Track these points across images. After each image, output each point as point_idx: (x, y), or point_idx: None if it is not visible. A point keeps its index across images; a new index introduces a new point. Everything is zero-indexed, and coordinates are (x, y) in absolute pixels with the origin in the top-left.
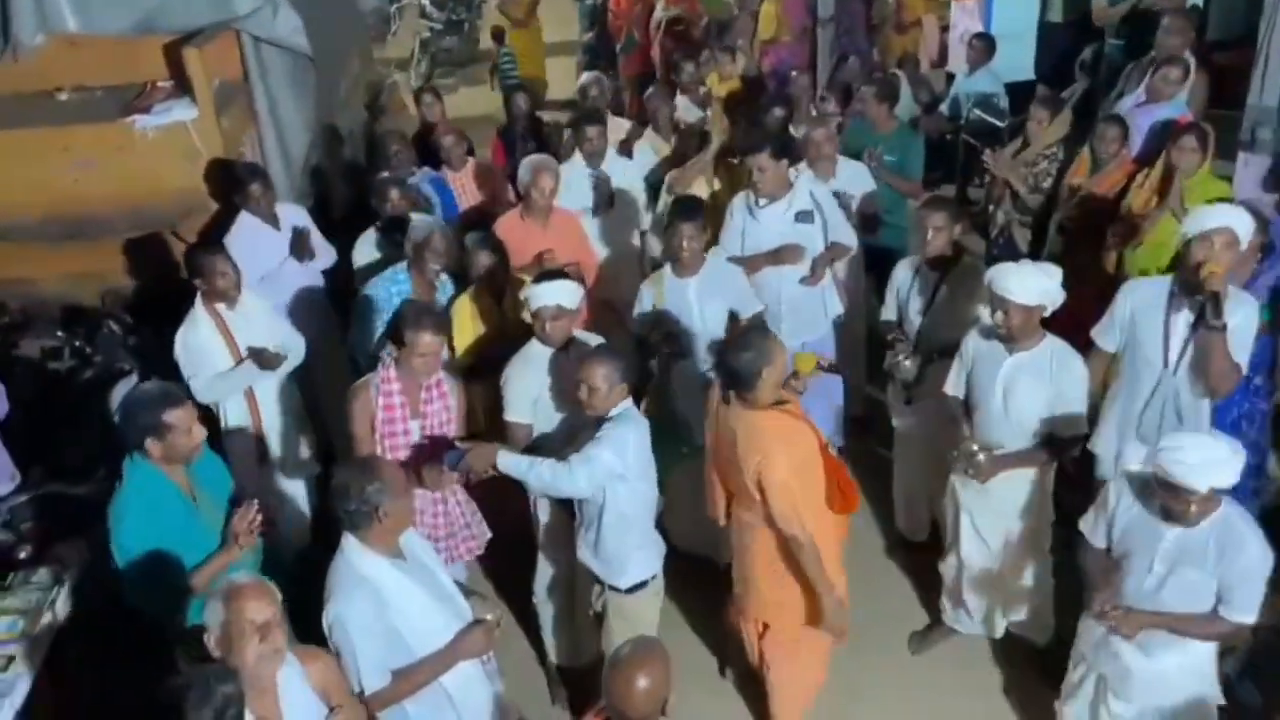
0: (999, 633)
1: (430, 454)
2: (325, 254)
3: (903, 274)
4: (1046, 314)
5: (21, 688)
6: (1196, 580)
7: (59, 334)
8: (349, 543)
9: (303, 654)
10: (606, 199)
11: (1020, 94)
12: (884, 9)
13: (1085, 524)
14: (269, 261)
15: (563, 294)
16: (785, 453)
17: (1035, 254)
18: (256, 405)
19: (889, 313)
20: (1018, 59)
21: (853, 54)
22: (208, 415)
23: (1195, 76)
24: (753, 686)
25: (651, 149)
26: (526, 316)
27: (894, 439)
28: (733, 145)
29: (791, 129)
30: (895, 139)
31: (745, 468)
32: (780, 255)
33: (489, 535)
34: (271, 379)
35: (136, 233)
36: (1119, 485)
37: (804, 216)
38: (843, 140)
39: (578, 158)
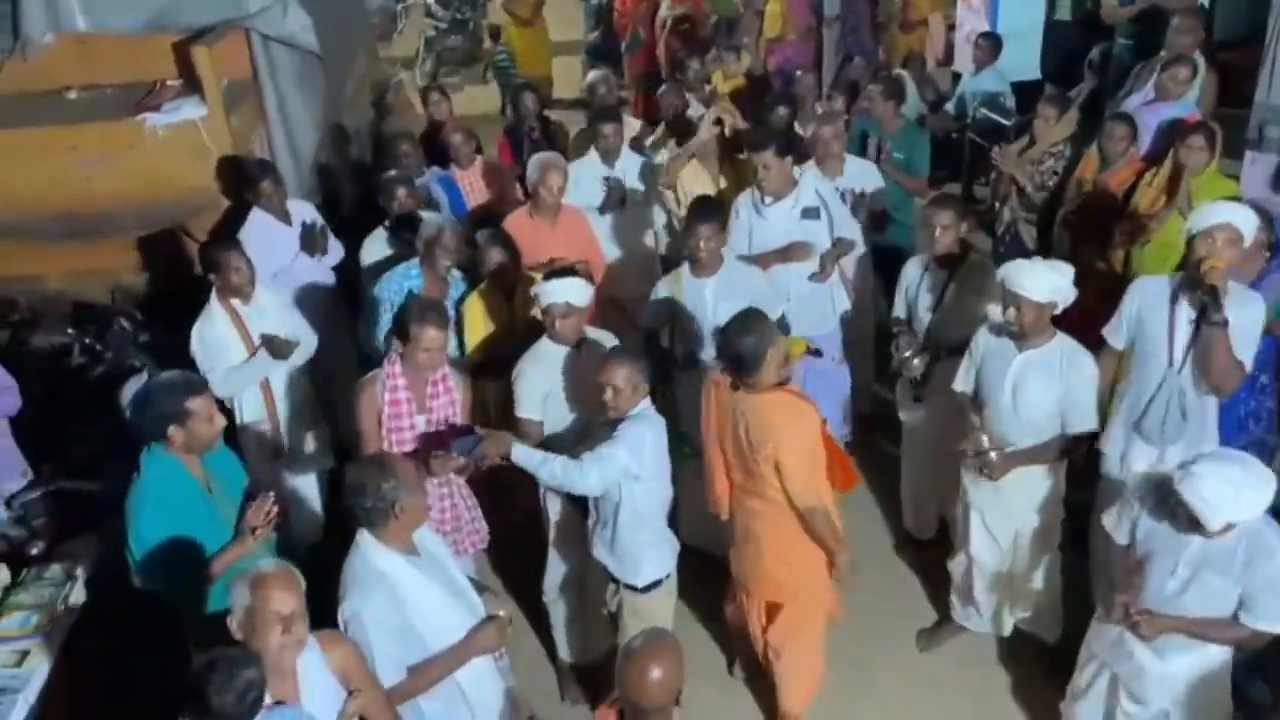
0: (1007, 630)
1: (436, 448)
2: (335, 250)
3: (911, 272)
4: (1057, 311)
5: (37, 682)
6: (1220, 586)
7: (69, 331)
8: (364, 539)
9: (324, 639)
10: (619, 199)
11: (1026, 93)
12: (889, 8)
13: (1109, 520)
14: (282, 257)
15: (572, 291)
16: (797, 428)
17: (1041, 251)
18: (272, 400)
19: (898, 311)
20: (1023, 58)
21: (858, 53)
22: (223, 410)
23: (1205, 76)
24: (759, 683)
25: (668, 152)
26: (536, 314)
27: (902, 436)
28: (737, 142)
29: (798, 127)
30: (901, 137)
31: (760, 450)
32: (789, 253)
33: (487, 532)
34: (285, 373)
35: (146, 231)
36: (1142, 486)
37: (810, 213)
38: (849, 138)
39: (591, 156)
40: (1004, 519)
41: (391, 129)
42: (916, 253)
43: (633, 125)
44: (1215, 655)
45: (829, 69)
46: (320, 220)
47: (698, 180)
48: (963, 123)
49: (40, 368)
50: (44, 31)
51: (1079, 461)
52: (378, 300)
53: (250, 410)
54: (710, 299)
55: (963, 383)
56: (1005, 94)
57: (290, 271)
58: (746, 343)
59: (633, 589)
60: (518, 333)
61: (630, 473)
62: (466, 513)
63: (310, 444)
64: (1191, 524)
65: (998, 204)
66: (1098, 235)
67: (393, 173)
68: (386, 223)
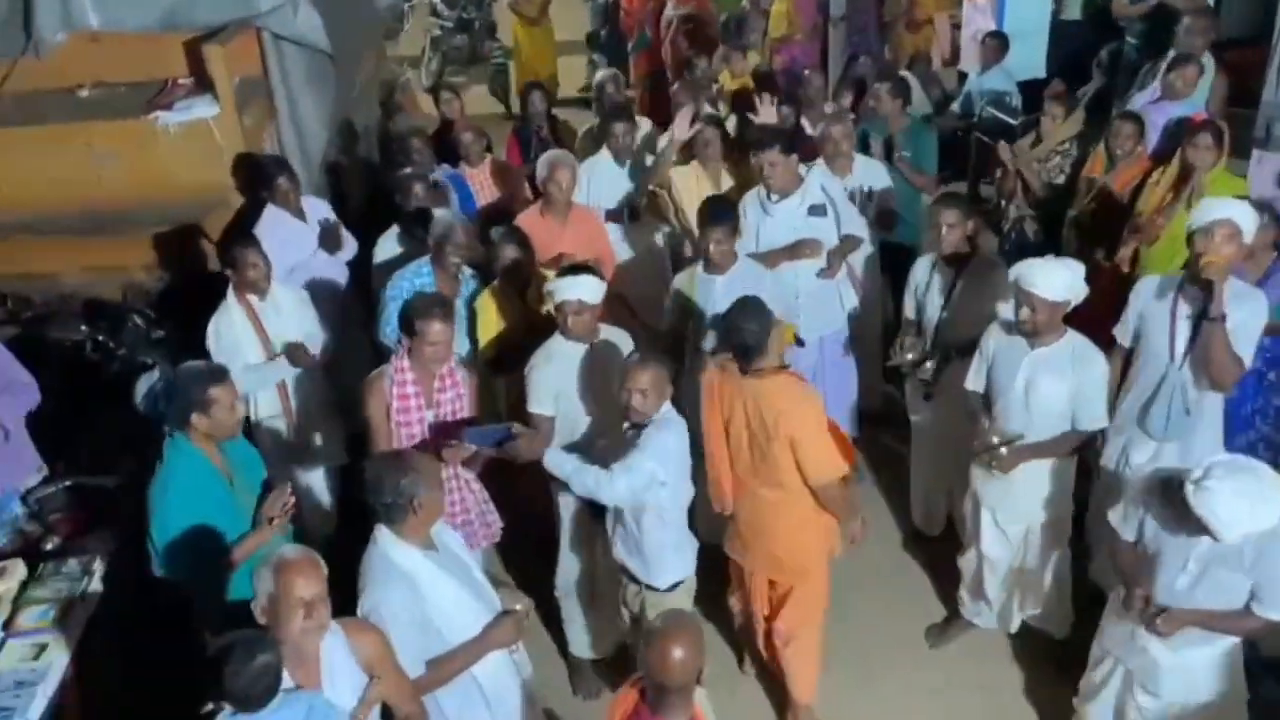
0: (1016, 626)
1: (446, 441)
2: (349, 246)
3: (920, 271)
4: (1069, 308)
5: (55, 675)
6: (1231, 580)
7: (82, 328)
8: (383, 534)
9: (350, 626)
10: (630, 209)
11: (1032, 92)
12: (895, 7)
13: (1115, 517)
14: (297, 253)
15: (585, 289)
16: (809, 405)
17: (1047, 249)
18: (288, 395)
19: (907, 310)
20: (1030, 57)
21: (864, 53)
22: None
23: (1215, 77)
24: (767, 679)
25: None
26: (548, 310)
27: (910, 434)
28: (742, 144)
29: (805, 127)
30: (908, 135)
31: (773, 432)
32: (797, 250)
33: (501, 525)
34: (299, 369)
35: (159, 228)
36: (1149, 487)
37: (816, 211)
38: (857, 137)
39: (603, 154)
40: (1014, 515)
41: (399, 128)
42: (923, 251)
43: (644, 125)
44: (1228, 646)
45: (835, 68)
46: (335, 217)
47: (698, 183)
48: (969, 122)
49: (54, 364)
50: (57, 30)
51: (1090, 458)
52: (388, 298)
53: (265, 406)
54: (720, 296)
55: (974, 381)
56: (1012, 93)
57: (306, 267)
58: (751, 328)
59: (655, 589)
60: (531, 329)
61: (658, 479)
62: (476, 507)
63: (324, 439)
64: (1202, 528)
65: (1003, 202)
66: (1106, 234)
67: (408, 170)
68: (401, 220)
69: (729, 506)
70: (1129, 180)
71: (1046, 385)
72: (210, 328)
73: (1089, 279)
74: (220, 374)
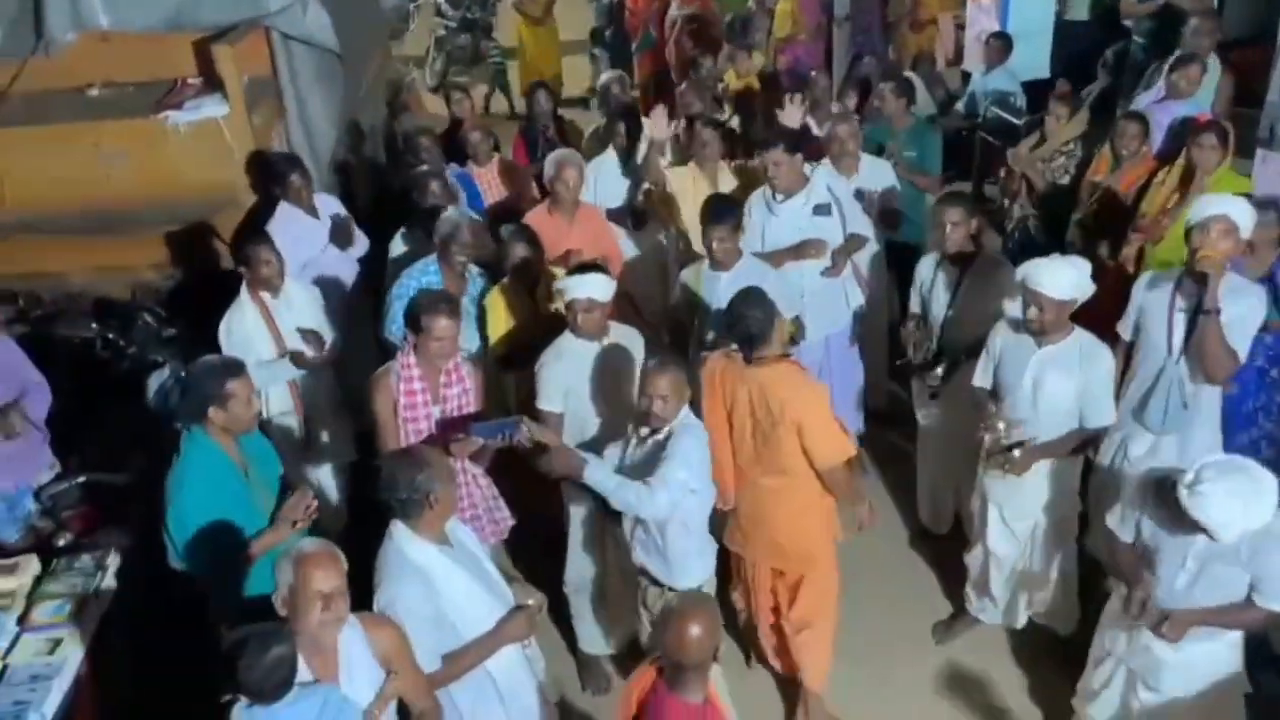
0: (1022, 623)
1: (453, 435)
2: (361, 242)
3: (925, 270)
4: (1076, 307)
5: (70, 669)
6: (1229, 574)
7: (93, 326)
8: (398, 530)
9: (369, 621)
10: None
11: (1036, 92)
12: (899, 7)
13: (1113, 520)
14: (309, 250)
15: (595, 287)
16: (813, 390)
17: (1051, 249)
18: (298, 392)
19: (913, 309)
20: (1034, 58)
21: (868, 53)
22: None
23: (1221, 77)
24: (774, 675)
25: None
26: (557, 308)
27: (917, 432)
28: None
29: (811, 126)
30: (912, 134)
31: (780, 418)
32: (802, 250)
33: (512, 522)
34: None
35: (168, 227)
36: (1143, 488)
37: (822, 210)
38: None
39: (609, 154)
40: (1021, 512)
41: (405, 127)
42: (928, 250)
43: (646, 125)
44: (1231, 639)
45: (839, 68)
46: (346, 213)
47: (694, 183)
48: (973, 122)
49: (64, 362)
50: (67, 30)
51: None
52: (394, 297)
53: (276, 402)
54: (724, 292)
55: (981, 379)
56: (1016, 93)
57: (318, 264)
58: (755, 316)
59: (678, 591)
60: (540, 326)
61: (689, 487)
62: (484, 502)
63: (332, 436)
64: (1198, 528)
65: (1007, 202)
66: (1111, 234)
67: (425, 167)
68: (416, 217)
69: (730, 500)
70: (1134, 180)
71: (1054, 383)
72: (223, 324)
73: (1093, 278)
74: (237, 368)
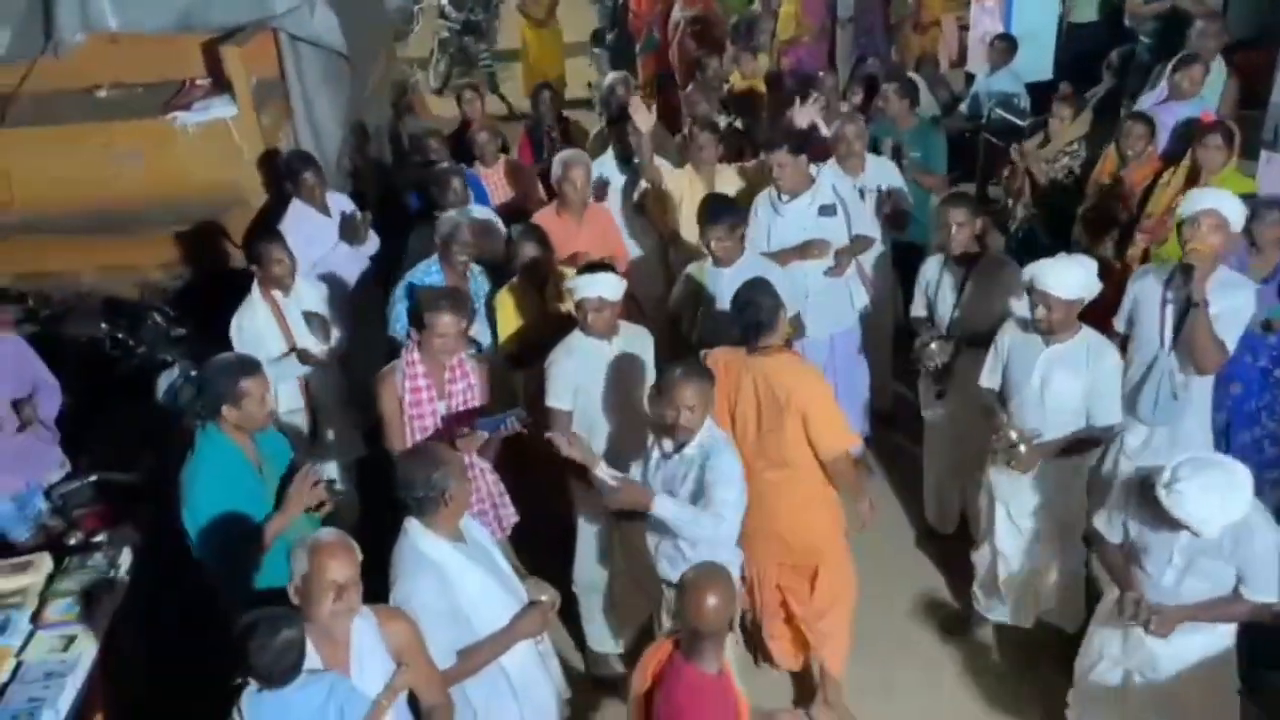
0: (1030, 621)
1: (458, 431)
2: (371, 239)
3: (930, 270)
4: (1083, 305)
5: (84, 666)
6: (1215, 568)
7: (102, 325)
8: (413, 526)
9: (382, 613)
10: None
11: (1039, 94)
12: (903, 9)
13: (1099, 521)
14: (321, 248)
15: (606, 286)
16: (817, 378)
17: (1055, 248)
18: (308, 388)
19: (918, 309)
20: (1037, 59)
21: (871, 54)
22: None
23: (1227, 79)
24: (778, 670)
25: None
26: (565, 307)
27: (923, 432)
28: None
29: (820, 127)
30: (916, 135)
31: (785, 406)
32: (805, 250)
33: (516, 518)
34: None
35: (177, 227)
36: (1129, 488)
37: (827, 211)
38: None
39: (608, 155)
40: (1029, 511)
41: (411, 128)
42: (932, 251)
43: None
44: (1222, 629)
45: (843, 70)
46: (358, 210)
47: (690, 185)
48: (977, 123)
49: (73, 361)
50: (76, 31)
51: None
52: (396, 297)
53: (285, 400)
54: (726, 288)
55: (989, 379)
56: (1020, 94)
57: (329, 261)
58: (765, 303)
59: None
60: (550, 325)
61: (739, 507)
62: (490, 497)
63: (341, 433)
64: (1181, 525)
65: (1010, 202)
66: (1116, 234)
67: (445, 165)
68: (436, 213)
69: None
70: (1140, 181)
71: (1061, 382)
72: (234, 322)
73: (1100, 278)
74: (252, 366)
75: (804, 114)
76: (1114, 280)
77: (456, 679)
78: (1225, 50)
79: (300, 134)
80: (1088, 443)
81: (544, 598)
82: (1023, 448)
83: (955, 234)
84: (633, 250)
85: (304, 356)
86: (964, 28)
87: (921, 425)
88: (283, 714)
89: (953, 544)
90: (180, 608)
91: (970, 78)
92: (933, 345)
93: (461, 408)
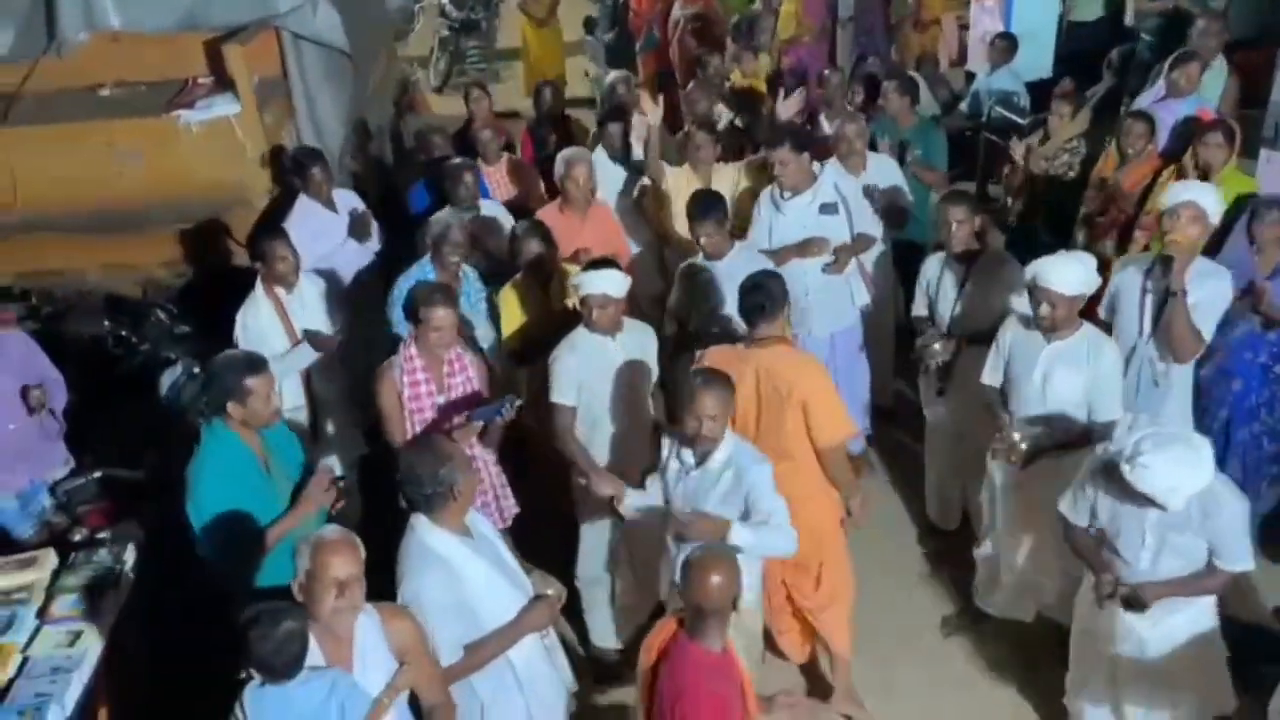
0: (1030, 615)
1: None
2: (376, 237)
3: (931, 268)
4: (1084, 301)
5: (89, 662)
6: (1187, 543)
7: (105, 323)
8: (419, 522)
9: (386, 611)
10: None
11: (1039, 93)
12: (903, 8)
13: (1064, 505)
14: (328, 244)
15: (610, 283)
16: (818, 367)
17: (1053, 246)
18: (310, 385)
19: (919, 308)
20: (1037, 58)
21: (871, 54)
22: None
23: (1228, 77)
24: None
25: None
26: (569, 304)
27: (925, 429)
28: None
29: (824, 125)
30: (917, 133)
31: (786, 395)
32: (805, 248)
33: (516, 509)
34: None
35: (180, 225)
36: (1093, 471)
37: (828, 208)
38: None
39: (600, 153)
40: (1030, 507)
41: (414, 126)
42: (932, 249)
43: (641, 124)
44: (1204, 607)
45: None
46: (365, 207)
47: (688, 184)
48: (977, 122)
49: (76, 359)
50: (79, 30)
51: None
52: (393, 299)
53: (288, 397)
54: (720, 282)
55: (990, 375)
56: (1020, 93)
57: (335, 258)
58: (772, 289)
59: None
60: (552, 323)
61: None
62: (493, 489)
63: (344, 429)
64: (1149, 501)
65: (1010, 200)
66: (1115, 231)
67: (458, 160)
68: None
69: None
70: (1140, 179)
71: (1063, 378)
72: (238, 319)
73: (1098, 274)
74: (258, 364)
75: (787, 107)
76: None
77: (464, 673)
78: (1225, 49)
79: (303, 132)
80: (1087, 438)
81: (550, 591)
82: (1023, 445)
83: (955, 232)
84: (632, 248)
85: (315, 341)
86: (964, 27)
87: (923, 422)
88: (284, 709)
89: (955, 540)
90: (184, 604)
91: (970, 76)
92: (936, 345)
93: (462, 401)
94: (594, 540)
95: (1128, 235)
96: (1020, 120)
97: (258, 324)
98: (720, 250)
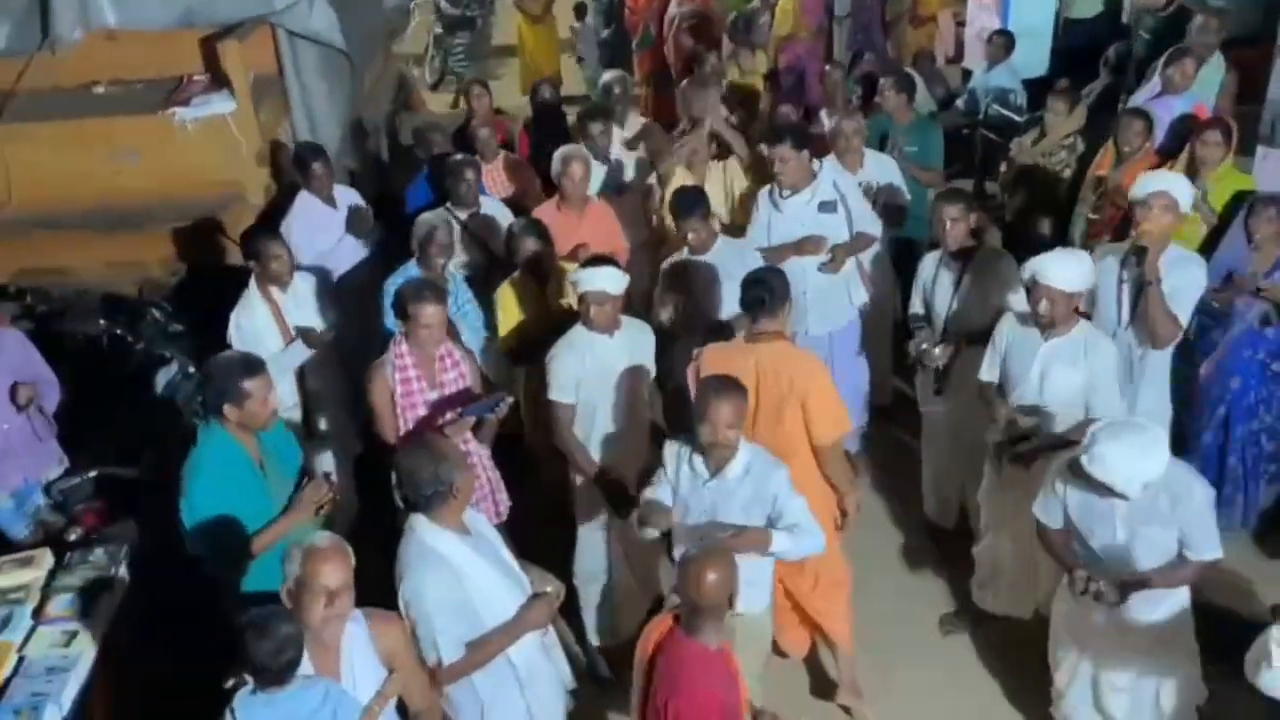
0: (1029, 612)
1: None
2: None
3: (927, 266)
4: (1082, 298)
5: (85, 662)
6: (1158, 535)
7: (101, 322)
8: (418, 522)
9: (374, 618)
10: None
11: (1035, 90)
12: (899, 5)
13: (1038, 508)
14: (328, 239)
15: (608, 280)
16: (819, 365)
17: (1054, 243)
18: (305, 384)
19: (915, 306)
20: (1034, 55)
21: (868, 51)
22: None
23: (1226, 74)
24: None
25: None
26: (568, 302)
27: (922, 428)
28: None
29: (824, 122)
30: (914, 130)
31: (787, 393)
32: (802, 246)
33: (509, 504)
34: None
35: (177, 223)
36: (1060, 470)
37: (827, 206)
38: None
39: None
40: (1028, 504)
41: (412, 124)
42: (928, 247)
43: (634, 123)
44: (1177, 599)
45: None
46: (364, 204)
47: (685, 183)
48: (974, 119)
49: (72, 358)
50: (74, 28)
51: None
52: (386, 296)
53: (284, 393)
54: (707, 276)
55: (988, 373)
56: (1017, 90)
57: (334, 254)
58: (775, 283)
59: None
60: (551, 320)
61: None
62: (487, 484)
63: (339, 428)
64: (1114, 492)
65: (1007, 197)
66: (1112, 229)
67: (460, 156)
68: (448, 204)
69: None
70: (1131, 179)
71: (1060, 374)
72: (232, 319)
73: None
74: (255, 366)
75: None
76: None
77: (466, 671)
78: (1223, 46)
79: (298, 129)
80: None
81: (549, 589)
82: (1025, 423)
83: (950, 229)
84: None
85: (308, 338)
86: (960, 23)
87: (920, 420)
88: (275, 718)
89: (952, 538)
90: (180, 604)
91: (967, 73)
92: (936, 349)
93: (454, 397)
94: (591, 538)
95: (1124, 232)
96: (1017, 118)
97: (252, 324)
98: (705, 245)
